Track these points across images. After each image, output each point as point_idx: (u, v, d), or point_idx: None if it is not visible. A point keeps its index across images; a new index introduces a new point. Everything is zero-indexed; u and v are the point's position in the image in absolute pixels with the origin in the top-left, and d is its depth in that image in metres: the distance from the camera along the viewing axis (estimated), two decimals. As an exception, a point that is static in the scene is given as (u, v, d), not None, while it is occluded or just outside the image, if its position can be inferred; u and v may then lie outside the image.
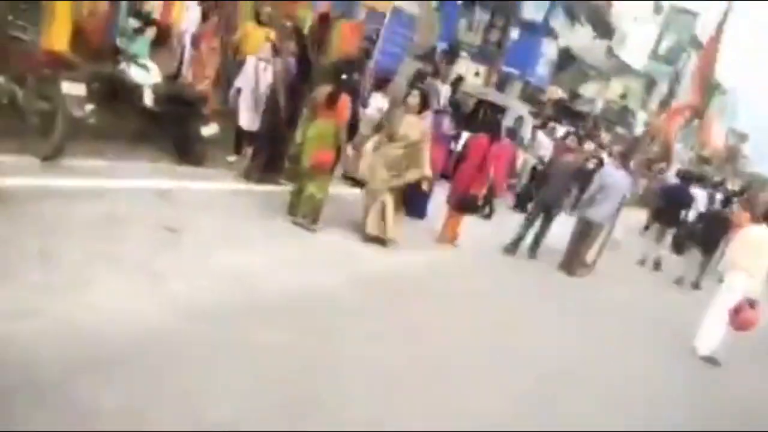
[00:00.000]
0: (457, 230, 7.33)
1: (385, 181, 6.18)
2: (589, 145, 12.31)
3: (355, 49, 9.99)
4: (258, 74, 6.98)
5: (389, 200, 6.17)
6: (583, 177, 8.53)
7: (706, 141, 12.28)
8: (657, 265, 10.56)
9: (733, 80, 32.04)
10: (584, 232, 7.87)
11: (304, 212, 5.95)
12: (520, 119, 11.86)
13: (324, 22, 9.88)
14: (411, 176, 6.25)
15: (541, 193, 8.12)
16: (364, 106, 8.65)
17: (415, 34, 14.21)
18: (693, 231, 10.33)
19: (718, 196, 13.03)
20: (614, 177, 7.84)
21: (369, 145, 6.44)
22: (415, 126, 6.23)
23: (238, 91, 7.11)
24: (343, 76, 6.28)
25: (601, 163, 9.52)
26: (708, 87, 7.92)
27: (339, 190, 7.34)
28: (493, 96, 13.32)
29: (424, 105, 6.58)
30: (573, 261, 7.93)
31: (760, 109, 50.97)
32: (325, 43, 9.76)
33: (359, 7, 11.46)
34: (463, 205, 7.24)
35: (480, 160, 7.20)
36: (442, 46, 18.18)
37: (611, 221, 8.23)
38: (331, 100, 5.91)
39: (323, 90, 6.01)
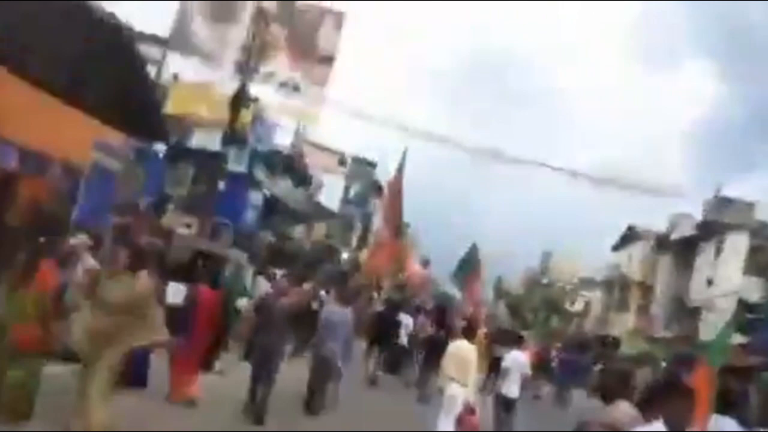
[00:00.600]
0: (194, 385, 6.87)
1: (95, 355, 5.33)
2: (307, 285, 12.95)
3: (49, 205, 9.15)
4: None
5: (98, 377, 5.28)
6: (309, 317, 8.88)
7: (404, 269, 14.04)
8: (372, 382, 11.40)
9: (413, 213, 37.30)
10: (321, 370, 8.09)
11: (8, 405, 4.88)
12: (240, 267, 12.00)
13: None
14: (136, 342, 5.61)
15: (260, 340, 7.62)
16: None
17: (117, 188, 13.69)
18: (407, 351, 11.54)
19: (421, 319, 14.80)
20: (338, 313, 8.36)
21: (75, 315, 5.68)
22: (124, 287, 5.59)
23: None
24: (41, 239, 5.66)
25: (321, 303, 10.11)
26: (398, 224, 9.18)
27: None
28: (210, 246, 13.29)
29: (138, 263, 6.04)
30: (317, 400, 8.04)
31: (437, 237, 59.91)
32: (9, 203, 8.78)
33: (52, 165, 10.65)
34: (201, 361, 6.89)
35: (211, 312, 7.04)
36: (147, 200, 17.73)
37: (346, 355, 8.63)
38: (29, 268, 5.19)
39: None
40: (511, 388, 7.84)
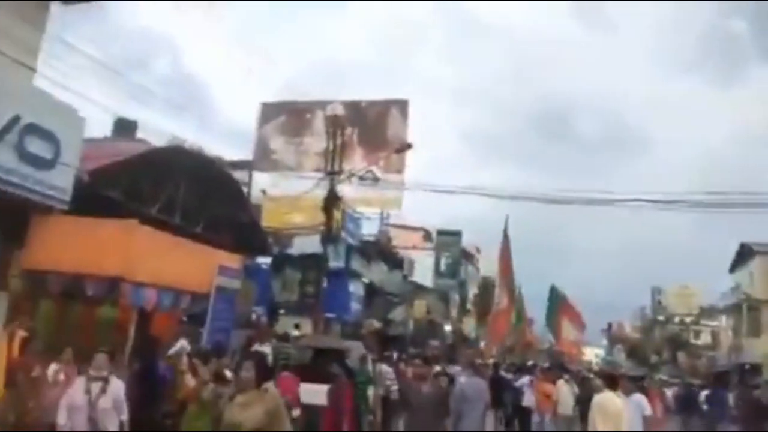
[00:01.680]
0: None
1: None
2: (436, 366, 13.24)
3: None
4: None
5: None
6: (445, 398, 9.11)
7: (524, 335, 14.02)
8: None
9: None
10: None
11: None
12: (364, 357, 12.42)
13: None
14: None
15: (413, 425, 7.45)
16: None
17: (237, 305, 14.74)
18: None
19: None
20: (474, 387, 8.54)
21: None
22: (256, 405, 4.88)
23: None
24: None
25: (452, 380, 10.30)
26: (512, 289, 9.39)
27: None
28: (330, 342, 13.84)
29: (263, 375, 5.19)
30: None
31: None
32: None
33: (183, 295, 11.75)
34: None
35: (352, 404, 7.46)
36: (259, 310, 18.80)
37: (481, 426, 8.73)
38: None
39: None
40: None
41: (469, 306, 49.94)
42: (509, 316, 9.37)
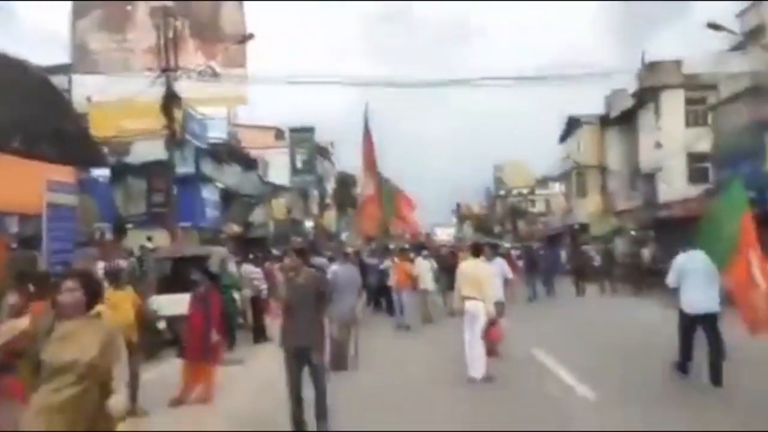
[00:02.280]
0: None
1: None
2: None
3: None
4: None
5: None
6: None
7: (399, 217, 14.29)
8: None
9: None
10: (342, 329, 8.45)
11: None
12: (224, 261, 12.01)
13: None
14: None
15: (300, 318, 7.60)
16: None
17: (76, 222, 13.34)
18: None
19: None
20: (347, 273, 8.67)
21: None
22: (83, 336, 3.44)
23: None
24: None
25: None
26: (378, 178, 9.32)
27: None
28: (190, 250, 13.19)
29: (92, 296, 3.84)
30: (341, 357, 8.37)
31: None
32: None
33: (7, 217, 10.35)
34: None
35: (218, 310, 7.17)
36: (103, 227, 17.34)
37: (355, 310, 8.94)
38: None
39: None
40: (498, 294, 8.27)
41: (328, 201, 50.45)
42: (378, 205, 9.43)
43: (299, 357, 5.58)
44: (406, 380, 8.01)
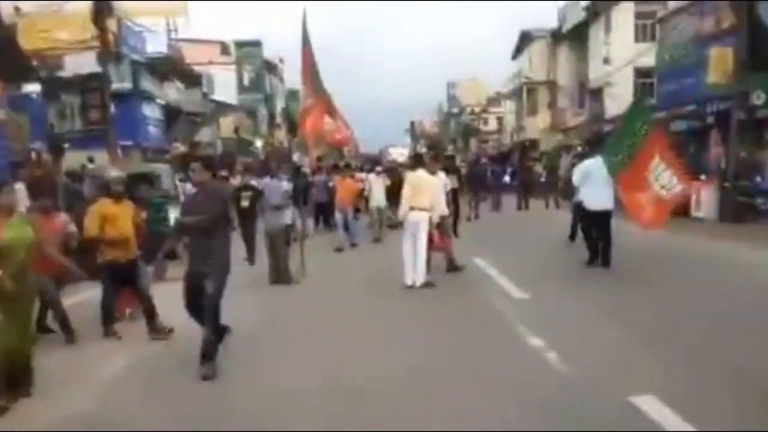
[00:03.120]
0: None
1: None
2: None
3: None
4: None
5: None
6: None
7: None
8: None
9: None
10: (276, 242, 8.61)
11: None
12: (158, 178, 11.76)
13: None
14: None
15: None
16: None
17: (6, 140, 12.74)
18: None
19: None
20: (270, 186, 8.86)
21: None
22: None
23: None
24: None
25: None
26: (319, 86, 9.08)
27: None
28: (134, 167, 12.84)
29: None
30: (278, 270, 8.63)
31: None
32: None
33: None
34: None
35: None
36: (38, 146, 16.58)
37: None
38: None
39: None
40: (440, 206, 8.39)
41: (278, 120, 49.31)
42: (320, 117, 9.22)
43: (194, 283, 4.92)
44: (346, 290, 8.21)
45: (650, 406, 3.88)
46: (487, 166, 25.68)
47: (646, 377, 4.45)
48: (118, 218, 6.09)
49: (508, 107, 49.33)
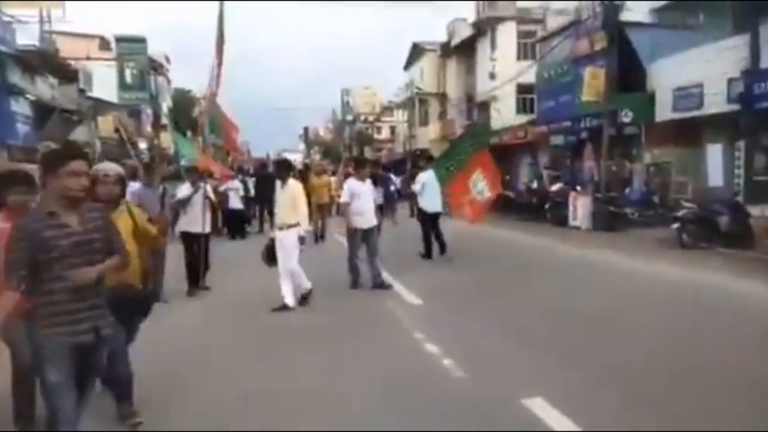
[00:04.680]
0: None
1: None
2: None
3: None
4: None
5: None
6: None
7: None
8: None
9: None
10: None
11: None
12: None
13: None
14: None
15: None
16: None
17: None
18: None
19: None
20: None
21: None
22: None
23: None
24: None
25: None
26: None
27: None
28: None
29: None
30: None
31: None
32: None
33: None
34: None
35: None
36: None
37: None
38: None
39: None
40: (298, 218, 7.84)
41: (165, 121, 47.02)
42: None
43: None
44: (245, 304, 7.96)
45: (540, 408, 4.07)
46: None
47: (533, 380, 4.66)
48: None
49: (400, 116, 50.38)
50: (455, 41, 34.66)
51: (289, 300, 7.30)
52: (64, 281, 2.83)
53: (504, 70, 27.79)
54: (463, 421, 3.94)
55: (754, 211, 12.06)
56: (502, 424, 3.88)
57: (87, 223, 2.97)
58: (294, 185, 7.58)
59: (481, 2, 30.79)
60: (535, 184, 22.04)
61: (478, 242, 13.25)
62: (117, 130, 33.71)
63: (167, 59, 45.98)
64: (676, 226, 12.40)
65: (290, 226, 7.35)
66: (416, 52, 40.17)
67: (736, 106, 14.20)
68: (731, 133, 14.68)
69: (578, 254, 12.10)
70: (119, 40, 37.78)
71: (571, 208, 17.16)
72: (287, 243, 7.35)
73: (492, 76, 29.07)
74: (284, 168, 7.88)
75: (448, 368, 5.01)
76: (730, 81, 14.44)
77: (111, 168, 3.97)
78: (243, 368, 5.15)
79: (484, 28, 30.41)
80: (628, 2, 17.18)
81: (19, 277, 2.77)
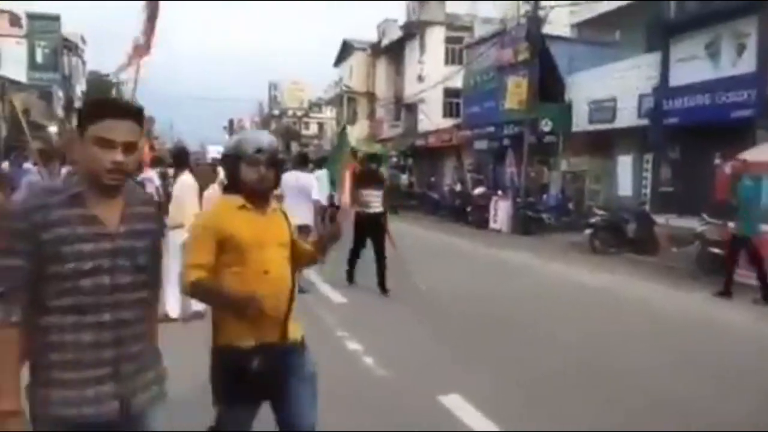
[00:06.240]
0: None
1: None
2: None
3: None
4: None
5: None
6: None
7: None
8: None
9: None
10: None
11: None
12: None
13: None
14: None
15: None
16: None
17: None
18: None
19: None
20: None
21: None
22: None
23: None
24: None
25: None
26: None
27: None
28: None
29: None
30: None
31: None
32: None
33: None
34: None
35: None
36: None
37: None
38: None
39: None
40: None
41: (77, 104, 44.58)
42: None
43: None
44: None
45: (455, 404, 4.20)
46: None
47: (450, 377, 4.79)
48: None
49: (329, 113, 50.18)
50: (385, 42, 34.89)
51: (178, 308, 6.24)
52: (81, 314, 1.70)
53: (432, 73, 28.25)
54: (382, 417, 3.99)
55: (660, 219, 12.88)
56: (419, 420, 3.96)
57: (130, 222, 1.81)
58: (182, 180, 6.53)
59: (411, 2, 31.13)
60: (458, 187, 22.57)
61: (402, 243, 13.38)
62: (26, 112, 31.73)
63: (83, 40, 43.62)
64: (588, 231, 13.06)
65: (175, 227, 6.09)
66: (346, 49, 40.13)
67: (645, 121, 15.12)
68: (641, 145, 15.61)
69: (492, 254, 12.51)
70: (31, 17, 35.56)
71: (492, 211, 17.70)
72: (169, 245, 5.92)
73: (420, 78, 29.49)
74: (178, 159, 6.94)
75: (370, 367, 5.06)
76: (641, 97, 15.36)
77: (264, 139, 2.49)
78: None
79: (413, 30, 30.79)
80: (550, 16, 17.93)
81: (15, 301, 1.65)
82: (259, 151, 2.39)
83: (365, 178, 8.21)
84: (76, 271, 1.68)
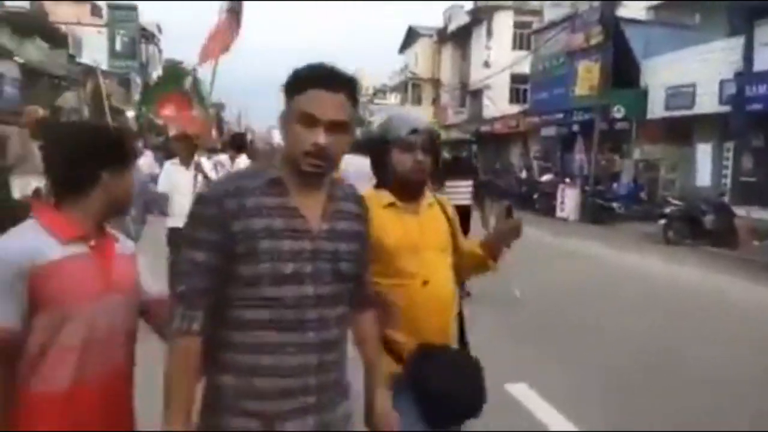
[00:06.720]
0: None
1: None
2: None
3: None
4: None
5: None
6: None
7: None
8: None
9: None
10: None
11: None
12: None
13: None
14: None
15: None
16: None
17: None
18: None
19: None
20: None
21: None
22: None
23: None
24: None
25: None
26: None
27: None
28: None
29: None
30: None
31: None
32: None
33: None
34: None
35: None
36: None
37: None
38: None
39: None
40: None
41: (157, 90, 46.45)
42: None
43: None
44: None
45: (522, 392, 4.17)
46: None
47: (518, 367, 4.75)
48: None
49: (393, 100, 50.20)
50: (451, 27, 34.48)
51: None
52: (283, 330, 1.39)
53: (499, 59, 27.75)
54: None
55: (740, 211, 12.24)
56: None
57: (333, 220, 1.48)
58: (238, 163, 6.32)
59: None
60: (524, 174, 22.15)
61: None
62: (107, 98, 33.35)
63: (159, 29, 45.35)
64: (662, 222, 12.56)
65: None
66: (411, 36, 39.96)
67: (727, 108, 14.34)
68: (721, 133, 14.84)
69: (560, 243, 12.22)
70: (111, 7, 37.20)
71: (559, 199, 17.30)
72: None
73: (486, 64, 29.02)
74: (235, 143, 6.74)
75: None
76: (723, 82, 14.57)
77: (418, 119, 2.10)
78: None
79: (480, 15, 30.28)
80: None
81: (198, 304, 1.38)
82: (414, 132, 1.94)
83: (452, 167, 7.20)
84: (274, 274, 1.36)
